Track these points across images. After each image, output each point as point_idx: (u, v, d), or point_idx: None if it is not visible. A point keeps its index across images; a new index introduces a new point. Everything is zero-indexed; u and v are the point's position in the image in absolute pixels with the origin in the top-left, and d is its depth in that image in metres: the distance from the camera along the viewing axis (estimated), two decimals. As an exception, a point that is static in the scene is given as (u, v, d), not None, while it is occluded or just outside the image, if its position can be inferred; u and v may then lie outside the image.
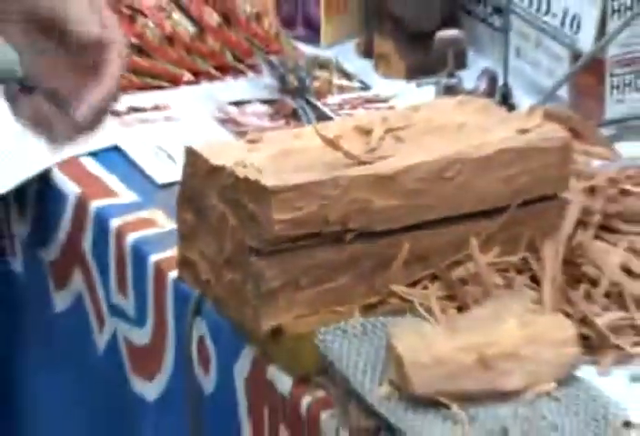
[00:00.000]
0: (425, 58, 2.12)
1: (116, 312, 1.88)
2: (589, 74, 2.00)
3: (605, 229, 1.69)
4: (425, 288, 1.58)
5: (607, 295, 1.60)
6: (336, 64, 2.15)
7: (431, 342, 1.46)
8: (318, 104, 2.04)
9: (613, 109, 2.00)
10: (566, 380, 1.46)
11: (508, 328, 1.48)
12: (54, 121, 1.52)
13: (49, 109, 1.51)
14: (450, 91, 2.01)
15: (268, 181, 1.49)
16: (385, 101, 2.07)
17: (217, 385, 1.69)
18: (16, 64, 1.53)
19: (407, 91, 2.10)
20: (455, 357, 1.44)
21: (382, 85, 2.13)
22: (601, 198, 1.70)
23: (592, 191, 1.70)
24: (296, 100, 2.04)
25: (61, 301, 1.98)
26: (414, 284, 1.59)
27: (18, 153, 1.98)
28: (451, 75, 2.06)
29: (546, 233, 1.64)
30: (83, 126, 1.49)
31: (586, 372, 1.49)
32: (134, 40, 2.08)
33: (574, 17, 2.02)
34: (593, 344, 1.55)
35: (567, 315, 1.55)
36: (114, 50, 1.52)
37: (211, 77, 2.13)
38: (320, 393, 1.52)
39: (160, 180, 1.89)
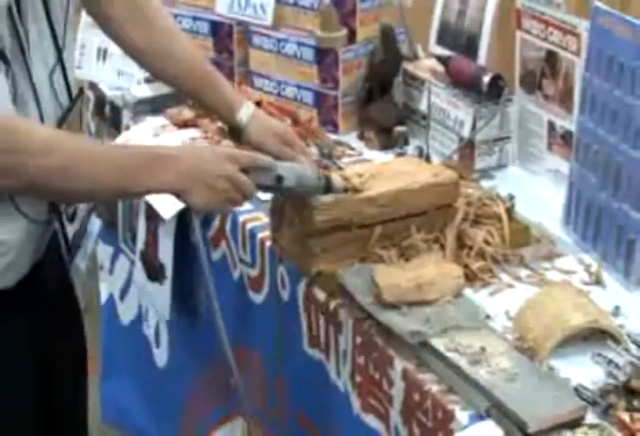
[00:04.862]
0: (389, 140, 2.21)
1: (242, 261, 1.97)
2: (467, 147, 2.09)
3: (475, 222, 1.79)
4: (389, 250, 1.72)
5: (477, 254, 1.75)
6: (347, 143, 2.24)
7: (392, 276, 1.62)
8: (338, 162, 2.11)
9: (478, 164, 2.10)
10: (458, 295, 1.62)
11: (429, 269, 1.64)
12: None
13: None
14: (400, 155, 2.14)
15: (313, 201, 1.67)
16: (370, 161, 2.13)
17: (289, 296, 1.80)
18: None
19: (380, 156, 2.16)
20: (404, 283, 1.60)
21: (368, 153, 2.21)
22: (473, 207, 1.80)
23: (469, 203, 1.80)
24: (328, 160, 2.11)
25: (215, 254, 2.05)
26: (383, 249, 1.71)
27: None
28: (401, 149, 2.19)
29: (447, 224, 1.76)
30: None
31: (467, 291, 1.66)
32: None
33: (461, 121, 2.10)
34: (470, 278, 1.71)
35: (458, 263, 1.71)
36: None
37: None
38: (338, 301, 1.68)
39: (262, 198, 1.92)
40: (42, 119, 1.53)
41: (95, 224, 1.75)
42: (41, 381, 1.71)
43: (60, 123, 1.59)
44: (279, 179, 1.59)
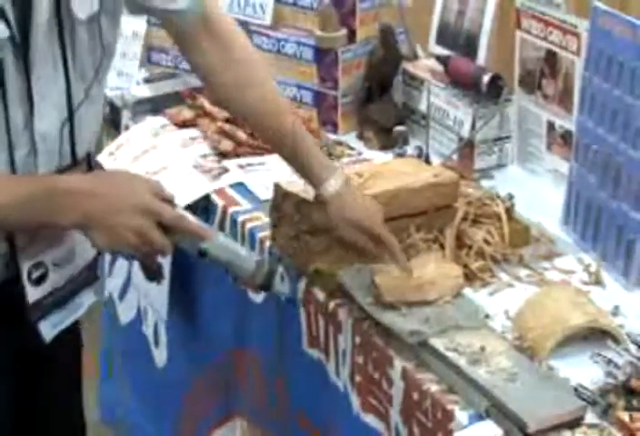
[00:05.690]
0: (388, 140, 2.21)
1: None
2: (467, 147, 2.09)
3: (475, 222, 1.80)
4: (389, 250, 1.64)
5: (476, 254, 1.75)
6: (346, 143, 2.25)
7: (392, 276, 1.62)
8: (337, 162, 2.06)
9: (478, 164, 2.10)
10: (457, 294, 1.63)
11: (429, 269, 1.65)
12: None
13: None
14: (400, 156, 2.15)
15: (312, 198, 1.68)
16: (369, 160, 2.14)
17: (290, 293, 1.72)
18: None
19: (380, 156, 2.17)
20: (404, 283, 1.61)
21: (368, 153, 2.21)
22: (473, 207, 1.81)
23: (469, 203, 1.81)
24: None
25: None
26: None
27: (195, 185, 2.05)
28: (400, 149, 2.19)
29: (447, 223, 1.77)
30: None
31: (467, 291, 1.67)
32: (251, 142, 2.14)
33: (460, 121, 2.10)
34: (470, 277, 1.71)
35: (457, 263, 1.72)
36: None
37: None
38: (338, 301, 1.68)
39: (262, 197, 1.99)
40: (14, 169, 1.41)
41: (90, 298, 1.59)
42: (30, 382, 1.69)
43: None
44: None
